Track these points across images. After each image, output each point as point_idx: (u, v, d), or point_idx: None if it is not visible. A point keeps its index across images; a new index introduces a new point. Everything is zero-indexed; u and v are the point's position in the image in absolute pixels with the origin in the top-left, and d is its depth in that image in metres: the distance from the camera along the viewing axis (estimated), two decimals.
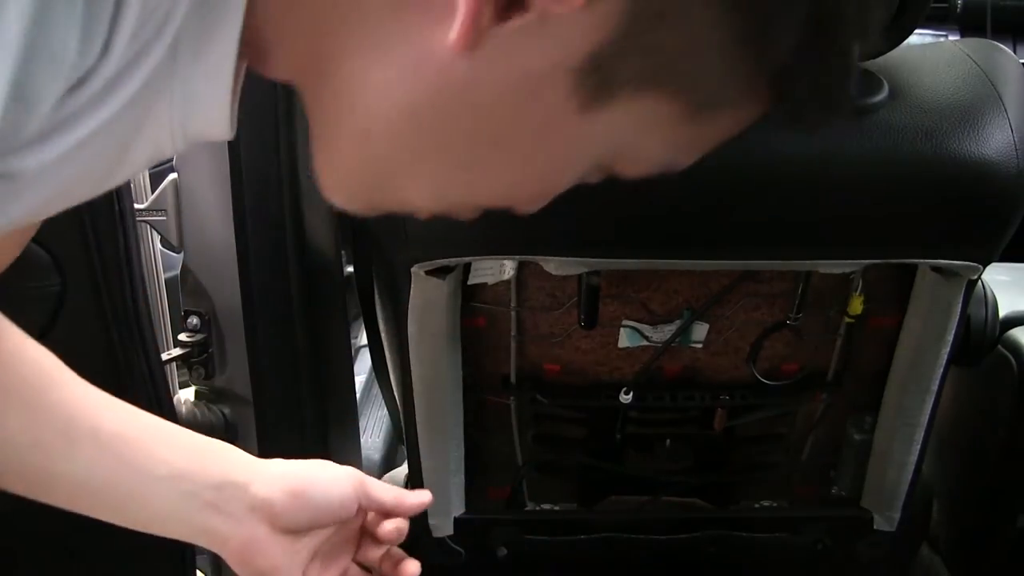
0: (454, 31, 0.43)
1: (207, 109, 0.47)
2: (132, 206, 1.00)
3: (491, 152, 0.49)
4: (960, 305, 0.98)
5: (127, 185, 1.03)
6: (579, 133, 0.48)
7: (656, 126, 0.49)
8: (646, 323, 1.07)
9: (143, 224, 1.12)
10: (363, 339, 1.34)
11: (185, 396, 1.18)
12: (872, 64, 0.87)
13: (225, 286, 1.10)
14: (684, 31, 0.45)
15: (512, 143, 0.49)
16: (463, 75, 0.45)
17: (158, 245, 1.29)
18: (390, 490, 0.76)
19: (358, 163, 0.51)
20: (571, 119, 0.47)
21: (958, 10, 2.03)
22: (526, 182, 0.52)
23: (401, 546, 0.79)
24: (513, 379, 1.13)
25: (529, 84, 0.46)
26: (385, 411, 1.54)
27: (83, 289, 0.96)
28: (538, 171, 0.51)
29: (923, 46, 1.06)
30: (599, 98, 0.47)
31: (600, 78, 0.46)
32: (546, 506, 1.28)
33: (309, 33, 0.47)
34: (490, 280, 1.02)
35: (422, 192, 0.52)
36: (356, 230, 1.13)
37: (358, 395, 1.50)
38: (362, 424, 1.55)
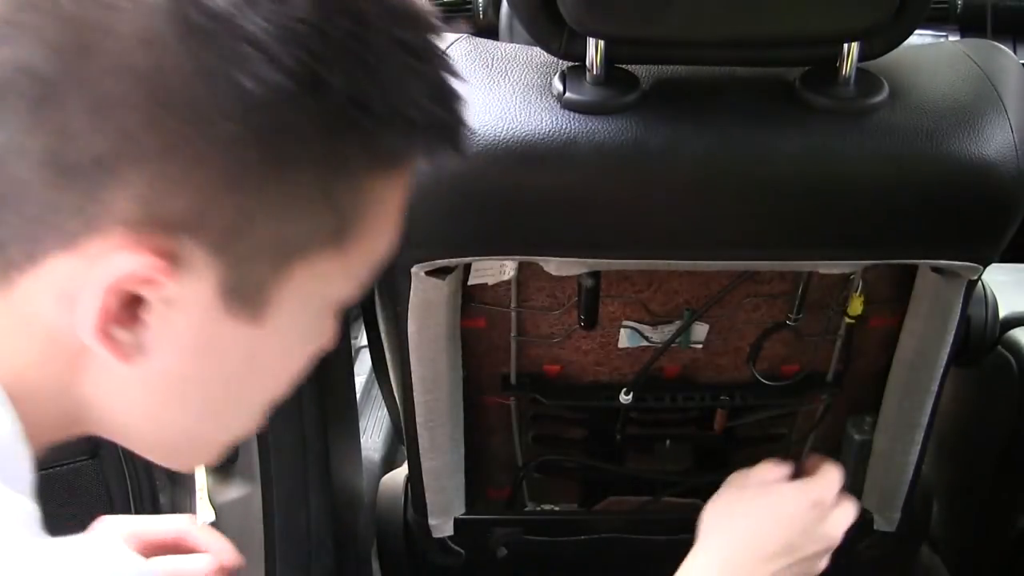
0: (108, 358, 0.47)
1: None
2: None
3: (232, 396, 0.54)
4: (960, 305, 0.98)
5: None
6: (277, 335, 0.51)
7: (325, 276, 0.51)
8: (646, 323, 1.07)
9: None
10: (363, 339, 1.34)
11: None
12: (872, 64, 0.87)
13: None
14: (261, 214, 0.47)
15: (239, 382, 0.54)
16: (153, 370, 0.49)
17: None
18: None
19: (158, 444, 0.56)
20: (260, 336, 0.51)
21: (958, 10, 2.03)
22: (277, 391, 0.56)
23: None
24: (513, 379, 1.13)
25: (202, 341, 0.50)
26: (385, 411, 1.54)
27: None
28: (283, 380, 0.55)
29: (923, 46, 1.05)
30: (260, 302, 0.50)
31: (244, 292, 0.49)
32: (546, 507, 1.28)
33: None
34: (490, 281, 1.02)
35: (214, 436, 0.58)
36: None
37: (358, 395, 1.50)
38: (362, 424, 1.55)
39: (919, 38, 1.49)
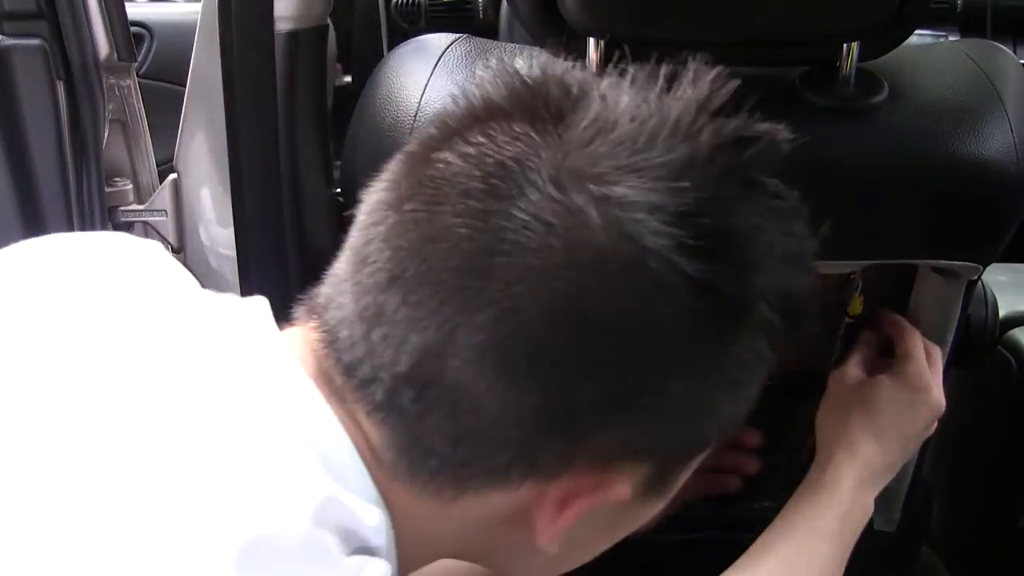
0: (541, 541, 0.53)
1: None
2: None
3: (602, 546, 0.62)
4: (960, 305, 0.98)
5: None
6: (661, 503, 0.59)
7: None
8: None
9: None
10: None
11: None
12: (872, 64, 0.87)
13: (225, 287, 1.10)
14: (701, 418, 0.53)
15: (616, 537, 0.62)
16: (567, 540, 0.54)
17: None
18: None
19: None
20: (651, 507, 0.58)
21: (958, 10, 2.03)
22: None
23: None
24: None
25: (612, 521, 0.57)
26: None
27: None
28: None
29: (923, 46, 1.06)
30: (667, 489, 0.56)
31: (660, 485, 0.55)
32: None
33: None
34: None
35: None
36: None
37: None
38: None
39: (919, 38, 1.49)
